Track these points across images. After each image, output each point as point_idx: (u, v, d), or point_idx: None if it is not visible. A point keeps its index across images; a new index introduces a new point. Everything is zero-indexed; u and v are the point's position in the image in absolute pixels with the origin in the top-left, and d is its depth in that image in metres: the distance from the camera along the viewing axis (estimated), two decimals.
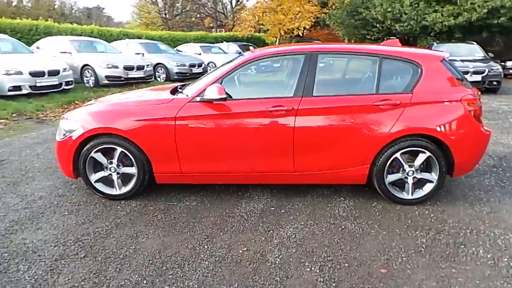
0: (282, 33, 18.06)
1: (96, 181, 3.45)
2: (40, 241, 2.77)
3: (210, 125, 3.29)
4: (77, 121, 3.41)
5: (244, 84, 3.82)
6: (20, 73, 8.19)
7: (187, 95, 3.39)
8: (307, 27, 17.39)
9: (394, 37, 21.09)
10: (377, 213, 3.27)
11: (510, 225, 3.05)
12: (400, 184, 3.44)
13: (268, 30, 19.20)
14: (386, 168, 3.31)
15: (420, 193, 3.41)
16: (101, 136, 3.33)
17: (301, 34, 18.18)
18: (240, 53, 14.05)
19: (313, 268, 2.49)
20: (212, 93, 3.19)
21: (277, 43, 19.83)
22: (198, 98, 3.28)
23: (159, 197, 3.56)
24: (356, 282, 2.35)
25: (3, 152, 4.91)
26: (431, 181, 3.37)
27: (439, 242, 2.81)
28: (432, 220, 3.14)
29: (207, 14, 36.66)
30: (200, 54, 15.48)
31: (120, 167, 3.42)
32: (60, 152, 3.48)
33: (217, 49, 17.03)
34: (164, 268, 2.47)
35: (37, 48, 11.42)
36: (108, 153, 3.40)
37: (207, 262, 2.54)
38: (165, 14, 37.64)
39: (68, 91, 9.28)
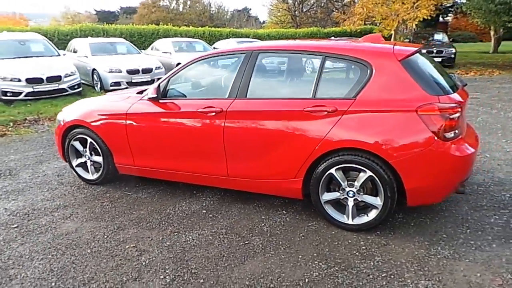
0: (395, 25, 16.31)
1: (77, 165, 4.00)
2: (5, 209, 3.42)
3: (151, 122, 3.42)
4: (64, 113, 4.01)
5: (198, 84, 3.78)
6: (120, 71, 9.80)
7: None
8: (426, 17, 15.24)
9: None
10: (302, 235, 2.88)
11: (452, 278, 2.29)
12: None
13: (380, 23, 17.65)
14: (320, 184, 2.87)
15: (363, 219, 2.84)
16: (77, 127, 3.84)
17: (415, 26, 16.10)
18: None
19: (166, 278, 2.41)
20: (149, 92, 3.33)
21: (392, 37, 18.06)
22: (145, 97, 3.46)
23: (125, 186, 3.89)
24: None
25: None
26: (376, 207, 2.77)
27: (329, 279, 2.33)
28: (356, 253, 2.60)
29: (333, 8, 35.82)
30: None
31: (92, 156, 3.88)
32: (56, 138, 4.15)
33: None
34: (53, 248, 2.76)
35: (151, 49, 13.33)
36: (85, 142, 3.89)
37: (89, 251, 2.73)
38: (294, 11, 38.33)
39: None
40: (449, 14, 26.04)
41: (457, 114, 2.60)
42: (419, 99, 2.59)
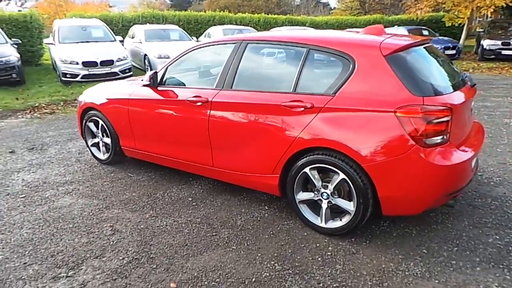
0: (468, 12, 14.63)
1: (92, 145, 4.29)
2: (22, 180, 3.81)
3: (148, 108, 3.53)
4: (84, 95, 4.30)
5: (192, 73, 3.77)
6: (167, 57, 10.16)
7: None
8: (504, 4, 13.46)
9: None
10: (272, 233, 2.80)
11: None
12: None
13: (451, 10, 15.96)
14: (295, 183, 2.76)
15: (336, 223, 2.68)
16: (91, 109, 4.11)
17: (489, 14, 14.28)
18: None
19: (124, 259, 2.51)
20: (144, 79, 3.44)
21: (465, 26, 16.30)
22: (144, 83, 3.58)
23: (130, 168, 4.10)
24: (136, 281, 2.27)
25: None
26: (349, 212, 2.59)
27: (277, 281, 2.24)
28: (318, 258, 2.46)
29: None
30: None
31: (104, 137, 4.14)
32: (77, 118, 4.48)
33: None
34: (42, 220, 3.01)
35: (205, 36, 13.67)
36: (97, 124, 4.15)
37: (71, 225, 2.93)
38: None
39: None
40: None
41: (446, 118, 2.31)
42: (400, 100, 2.33)
